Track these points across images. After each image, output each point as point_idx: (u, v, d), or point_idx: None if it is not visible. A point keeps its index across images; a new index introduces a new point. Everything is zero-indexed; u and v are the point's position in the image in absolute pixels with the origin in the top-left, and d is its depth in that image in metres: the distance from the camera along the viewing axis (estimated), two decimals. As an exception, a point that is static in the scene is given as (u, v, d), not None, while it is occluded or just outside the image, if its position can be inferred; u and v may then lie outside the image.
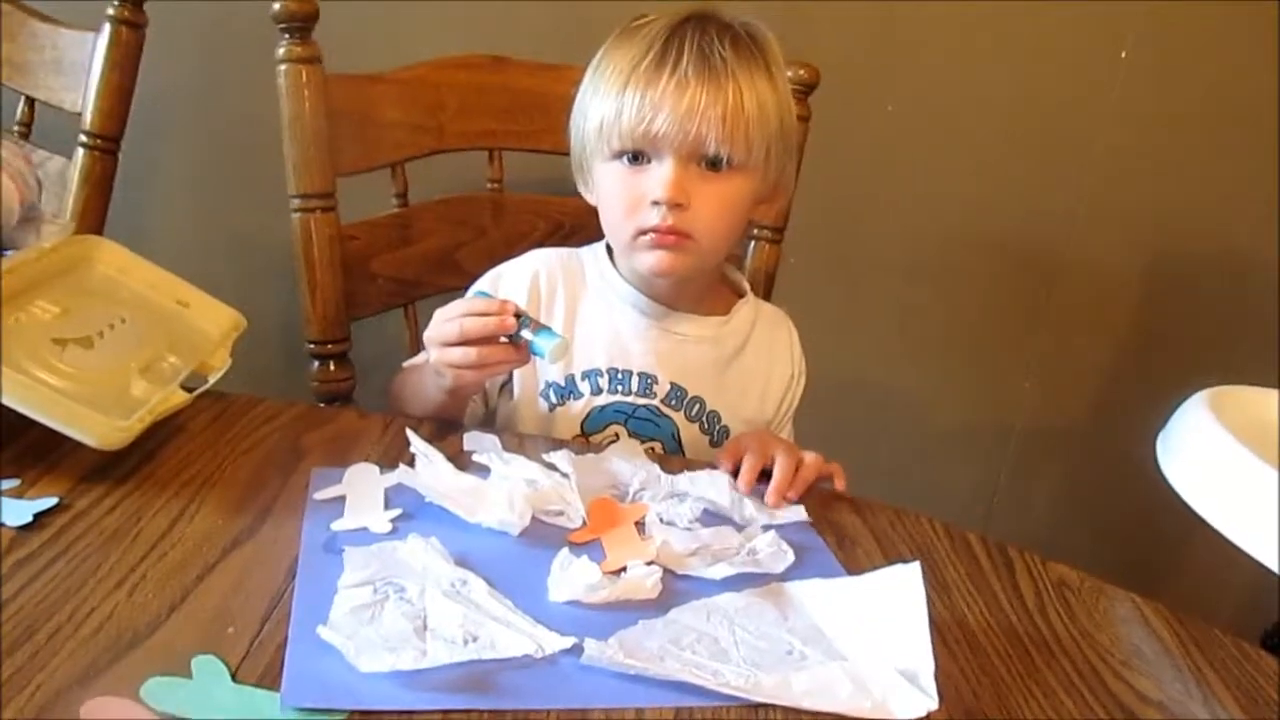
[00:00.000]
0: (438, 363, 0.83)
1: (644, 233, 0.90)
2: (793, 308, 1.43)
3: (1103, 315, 1.58)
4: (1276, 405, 0.87)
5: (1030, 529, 1.59)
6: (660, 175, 0.88)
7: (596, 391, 0.95)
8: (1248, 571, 0.83)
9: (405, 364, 1.03)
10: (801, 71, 1.13)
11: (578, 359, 0.95)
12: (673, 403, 0.96)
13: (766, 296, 1.18)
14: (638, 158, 0.90)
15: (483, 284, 0.98)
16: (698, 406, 0.97)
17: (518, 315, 0.80)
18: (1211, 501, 0.75)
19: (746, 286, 1.05)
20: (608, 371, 0.95)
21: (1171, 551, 1.59)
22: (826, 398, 1.55)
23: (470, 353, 0.80)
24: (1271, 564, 0.73)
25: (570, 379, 0.95)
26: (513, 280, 0.99)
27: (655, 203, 0.88)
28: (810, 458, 0.85)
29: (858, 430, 1.59)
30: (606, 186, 0.93)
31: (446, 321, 0.82)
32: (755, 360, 1.01)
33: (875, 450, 1.59)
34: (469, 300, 0.85)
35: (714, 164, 0.89)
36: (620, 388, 0.95)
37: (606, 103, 0.90)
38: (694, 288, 0.97)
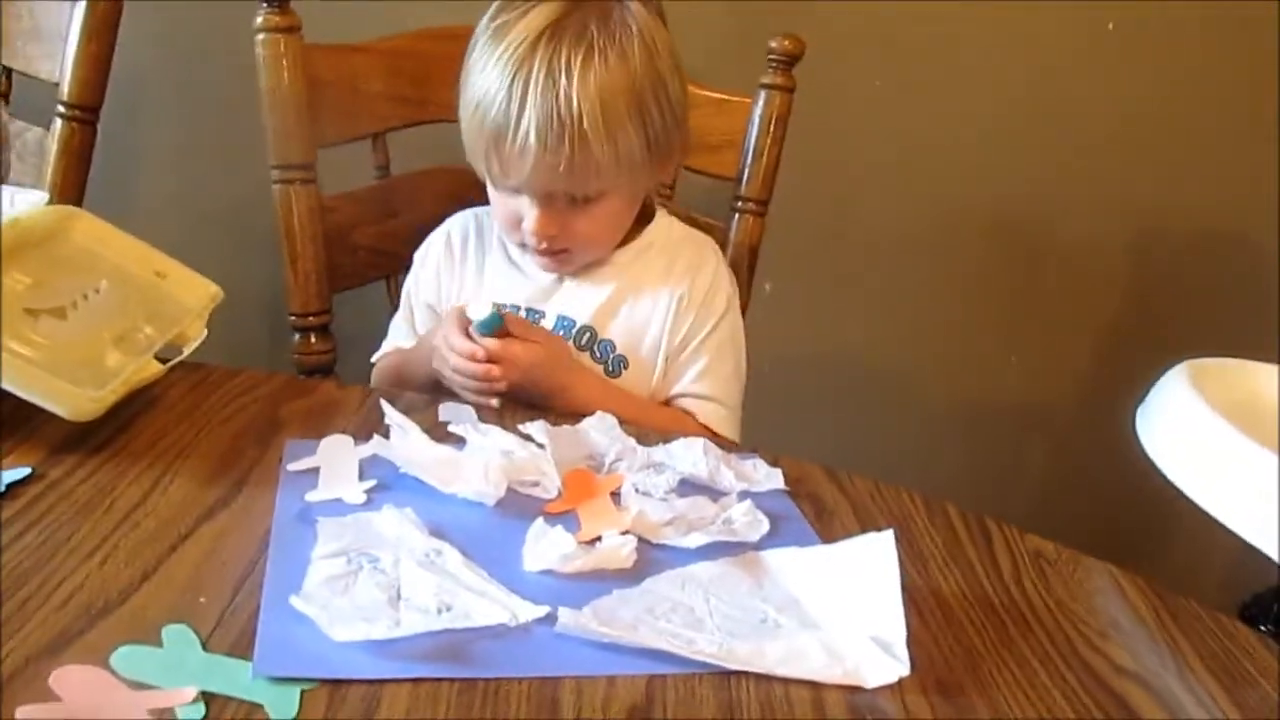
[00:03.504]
0: (446, 384, 0.90)
1: (525, 245, 0.95)
2: (779, 285, 1.44)
3: (1090, 292, 1.59)
4: (1256, 377, 0.87)
5: (1015, 505, 1.59)
6: (527, 216, 0.91)
7: None
8: (1229, 545, 0.83)
9: (377, 357, 1.04)
10: (786, 43, 1.12)
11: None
12: (560, 333, 0.96)
13: (750, 270, 1.17)
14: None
15: (416, 259, 1.05)
16: (588, 335, 0.97)
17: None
18: (1189, 474, 0.75)
19: (659, 210, 1.04)
20: (494, 306, 0.95)
21: (1154, 527, 1.59)
22: (812, 374, 1.56)
23: (481, 389, 0.87)
24: (1248, 536, 0.73)
25: None
26: (433, 249, 1.04)
27: (533, 235, 0.91)
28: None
29: (842, 406, 1.60)
30: (490, 194, 0.96)
31: (461, 357, 0.86)
32: (654, 286, 0.98)
33: (859, 426, 1.59)
34: (462, 346, 0.86)
35: (577, 199, 0.90)
36: None
37: (468, 137, 0.91)
38: None
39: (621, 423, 0.81)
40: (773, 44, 1.12)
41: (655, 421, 0.90)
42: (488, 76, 0.88)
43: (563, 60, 0.85)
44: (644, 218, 1.02)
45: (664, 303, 0.98)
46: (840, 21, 1.39)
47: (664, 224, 1.03)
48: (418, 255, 1.05)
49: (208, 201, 1.45)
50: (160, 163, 1.44)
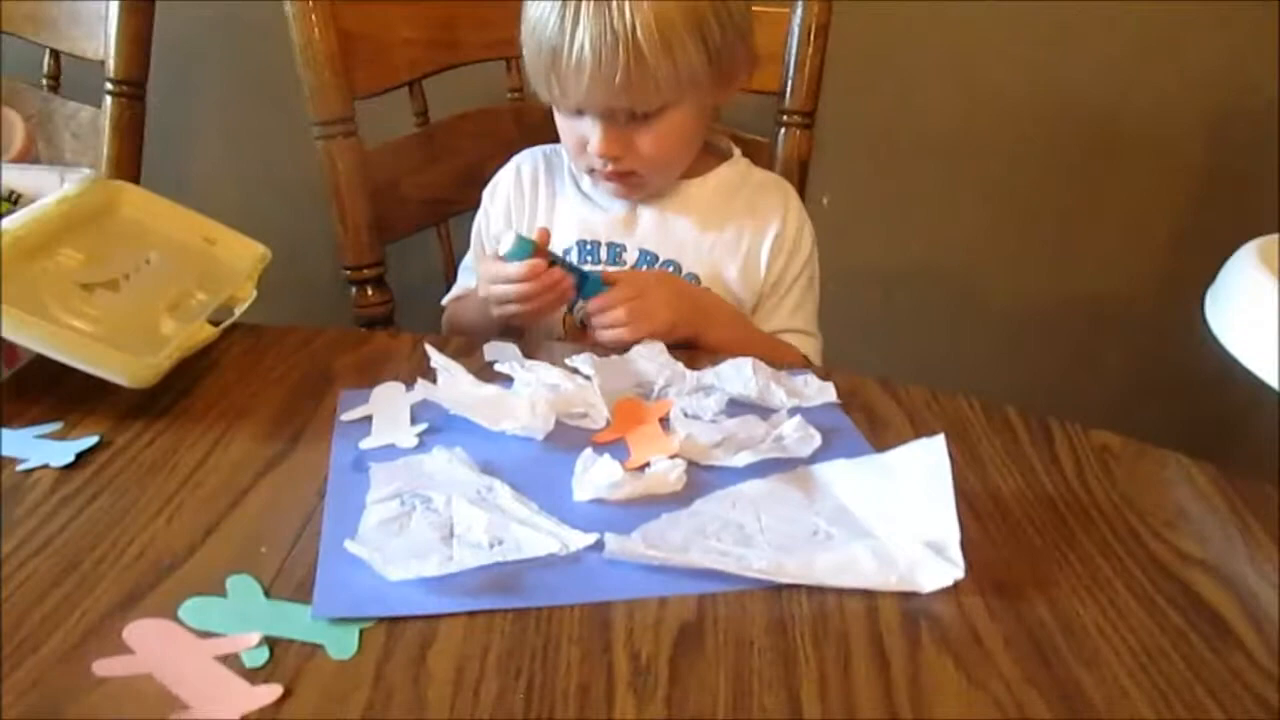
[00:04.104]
0: (497, 316, 0.89)
1: (594, 170, 0.94)
2: (837, 197, 1.41)
3: (1159, 178, 1.52)
4: (1332, 248, 0.83)
5: (1093, 405, 1.55)
6: (593, 134, 0.90)
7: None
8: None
9: (447, 300, 1.05)
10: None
11: (554, 244, 0.96)
12: (643, 269, 0.96)
13: (801, 185, 1.14)
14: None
15: (485, 196, 1.04)
16: (671, 270, 0.96)
17: (559, 263, 0.86)
18: (1257, 352, 0.72)
19: (734, 150, 1.04)
20: (576, 244, 0.97)
21: (1240, 416, 1.54)
22: (877, 285, 1.53)
23: (527, 311, 0.87)
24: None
25: None
26: (502, 184, 1.04)
27: (599, 155, 0.91)
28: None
29: (909, 316, 1.57)
30: (556, 121, 0.95)
31: (496, 283, 0.87)
32: (738, 222, 0.98)
33: (928, 335, 1.56)
34: (520, 267, 0.85)
35: (637, 115, 0.90)
36: (589, 259, 0.97)
37: (529, 62, 0.92)
38: None
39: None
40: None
41: (780, 355, 0.91)
42: (542, 6, 0.88)
43: None
44: (719, 155, 1.02)
45: (753, 240, 0.98)
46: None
47: (742, 164, 1.03)
48: (486, 192, 1.05)
49: (262, 162, 1.47)
50: (210, 129, 1.46)
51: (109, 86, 1.15)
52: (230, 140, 1.49)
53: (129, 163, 1.17)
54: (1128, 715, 0.49)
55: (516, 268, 0.84)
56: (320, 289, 1.42)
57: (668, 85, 0.88)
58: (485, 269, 0.88)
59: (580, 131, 0.92)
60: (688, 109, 0.92)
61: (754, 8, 1.11)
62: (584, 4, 0.85)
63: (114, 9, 1.13)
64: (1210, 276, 0.93)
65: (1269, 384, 0.69)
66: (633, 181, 0.95)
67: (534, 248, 0.84)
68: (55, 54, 1.20)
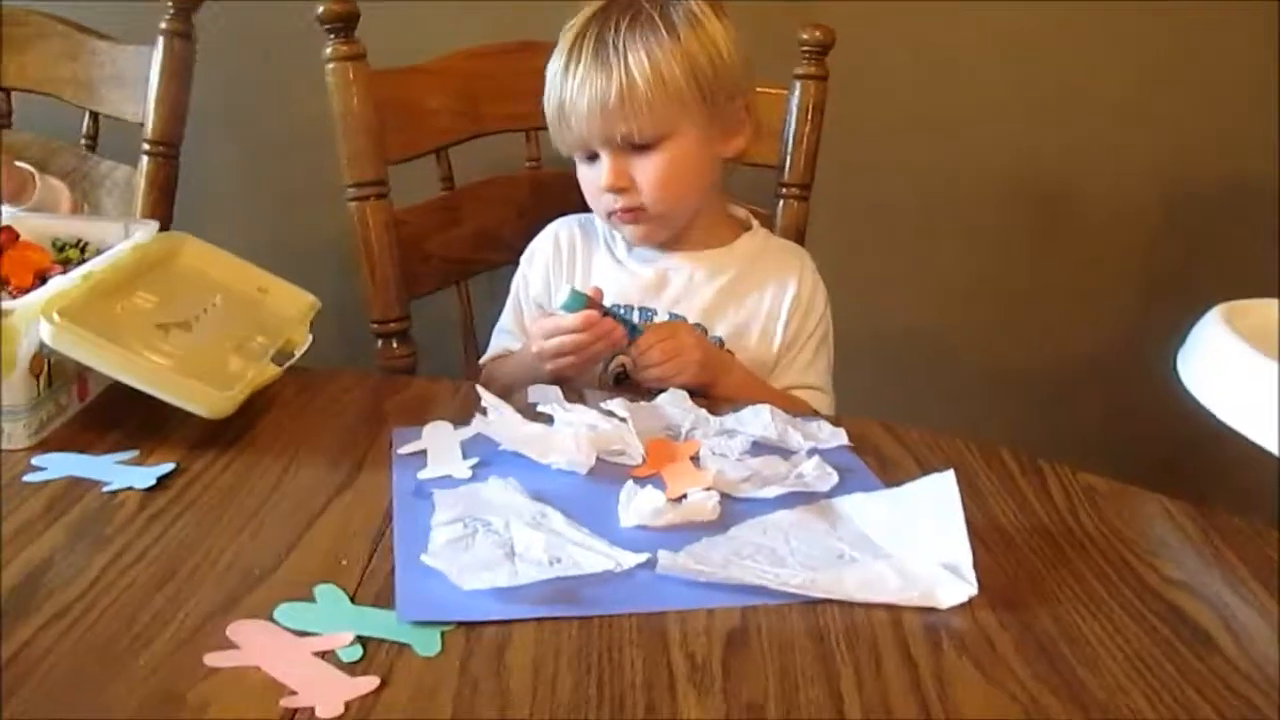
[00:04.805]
0: (550, 370, 0.95)
1: (611, 213, 1.03)
2: (820, 263, 1.49)
3: (1119, 243, 1.62)
4: (1284, 312, 0.92)
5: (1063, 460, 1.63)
6: (602, 167, 1.00)
7: None
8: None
9: (485, 359, 1.12)
10: (817, 33, 1.18)
11: None
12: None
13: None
14: (588, 154, 1.02)
15: (523, 262, 1.13)
16: (700, 331, 1.04)
17: (609, 314, 0.93)
18: (1231, 406, 0.80)
19: (753, 221, 1.13)
20: (610, 308, 1.02)
21: (1206, 466, 1.62)
22: (864, 346, 1.61)
23: (578, 361, 0.94)
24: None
25: None
26: (540, 251, 1.12)
27: (606, 190, 1.00)
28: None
29: (893, 376, 1.64)
30: (579, 176, 1.05)
31: (551, 337, 0.93)
32: (759, 287, 1.07)
33: (903, 395, 1.64)
34: (577, 318, 0.92)
35: (637, 145, 0.99)
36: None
37: (548, 120, 1.04)
38: (687, 229, 1.07)
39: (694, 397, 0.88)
40: (804, 35, 1.18)
41: (790, 407, 0.95)
42: (554, 63, 1.01)
43: (611, 25, 0.98)
44: (740, 226, 1.12)
45: (773, 302, 1.06)
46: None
47: (761, 233, 1.13)
48: (525, 256, 1.13)
49: (274, 221, 1.53)
50: (227, 187, 1.52)
51: (146, 147, 1.21)
52: (243, 198, 1.55)
53: (162, 217, 1.22)
54: (1127, 709, 0.55)
55: (572, 319, 0.91)
56: (325, 344, 1.47)
57: (660, 111, 0.98)
58: (540, 326, 0.95)
59: (594, 177, 1.02)
60: (686, 144, 1.00)
61: (756, 88, 1.20)
62: (585, 49, 0.98)
63: (155, 75, 1.19)
64: (1167, 337, 1.02)
65: (1241, 432, 0.77)
66: (642, 218, 1.03)
67: (587, 300, 0.91)
68: (95, 115, 1.26)
